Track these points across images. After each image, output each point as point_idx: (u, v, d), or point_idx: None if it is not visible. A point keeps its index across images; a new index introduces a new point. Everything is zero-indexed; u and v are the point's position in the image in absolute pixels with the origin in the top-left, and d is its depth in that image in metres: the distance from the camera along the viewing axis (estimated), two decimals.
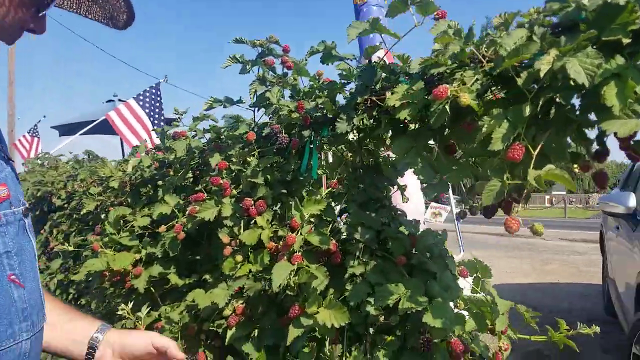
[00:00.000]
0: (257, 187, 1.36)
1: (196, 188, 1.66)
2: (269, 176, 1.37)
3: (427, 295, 0.97)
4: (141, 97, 6.14)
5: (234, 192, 1.46)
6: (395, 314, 0.96)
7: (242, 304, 1.29)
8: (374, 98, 1.18)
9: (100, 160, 3.15)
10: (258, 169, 1.34)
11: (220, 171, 1.48)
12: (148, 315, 1.50)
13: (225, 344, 1.28)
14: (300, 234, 1.15)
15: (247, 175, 1.38)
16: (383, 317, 0.99)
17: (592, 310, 4.83)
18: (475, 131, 1.01)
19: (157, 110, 6.26)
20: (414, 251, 1.16)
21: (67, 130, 8.21)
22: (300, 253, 1.12)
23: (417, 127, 1.12)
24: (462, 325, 0.90)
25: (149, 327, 1.49)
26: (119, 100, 7.45)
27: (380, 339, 1.00)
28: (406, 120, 1.11)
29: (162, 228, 1.69)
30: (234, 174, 1.49)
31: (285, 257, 1.12)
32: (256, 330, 1.24)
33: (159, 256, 1.67)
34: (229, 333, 1.28)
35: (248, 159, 1.43)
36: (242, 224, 1.40)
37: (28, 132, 8.84)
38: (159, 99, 6.28)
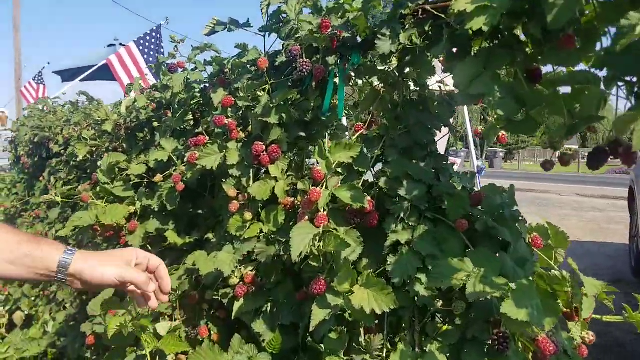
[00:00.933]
0: (270, 129, 1.09)
1: (196, 131, 1.39)
2: (284, 115, 1.09)
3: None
4: (141, 41, 5.85)
5: (242, 135, 1.19)
6: (459, 299, 0.71)
7: (251, 271, 1.06)
8: (427, 7, 0.88)
9: (96, 102, 2.87)
10: (271, 105, 1.06)
11: (224, 109, 1.20)
12: None
13: (232, 317, 1.06)
14: (326, 187, 0.89)
15: (258, 114, 1.10)
16: (441, 302, 0.74)
17: (620, 270, 4.60)
18: (575, 50, 0.72)
19: (158, 55, 5.96)
20: (471, 213, 0.90)
21: (70, 75, 7.96)
22: (325, 212, 0.86)
23: (487, 45, 0.83)
24: (554, 317, 0.65)
25: None
26: (120, 44, 7.14)
27: (433, 327, 0.77)
28: (475, 36, 0.82)
29: (158, 177, 1.45)
30: (241, 112, 1.21)
31: (307, 218, 0.86)
32: (269, 304, 1.02)
33: (156, 210, 1.43)
34: (236, 305, 1.05)
35: (258, 93, 1.14)
36: (251, 174, 1.14)
37: (33, 79, 8.68)
38: (159, 42, 5.96)
